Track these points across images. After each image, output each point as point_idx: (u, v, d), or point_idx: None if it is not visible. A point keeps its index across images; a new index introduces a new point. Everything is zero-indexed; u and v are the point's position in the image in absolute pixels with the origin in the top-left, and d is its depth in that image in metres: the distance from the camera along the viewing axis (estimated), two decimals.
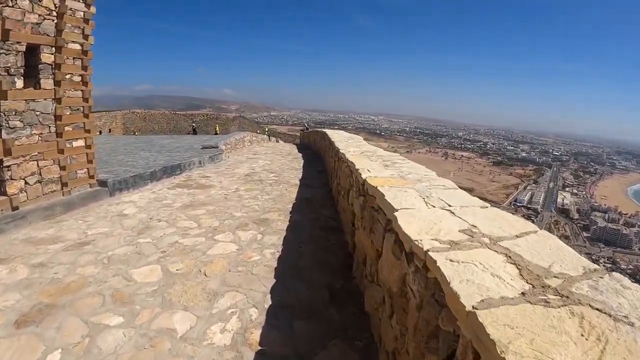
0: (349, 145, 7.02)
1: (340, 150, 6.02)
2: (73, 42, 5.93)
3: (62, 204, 5.87)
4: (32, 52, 5.41)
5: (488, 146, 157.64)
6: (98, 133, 31.89)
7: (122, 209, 6.14)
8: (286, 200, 6.92)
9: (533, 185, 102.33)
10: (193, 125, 39.08)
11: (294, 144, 26.84)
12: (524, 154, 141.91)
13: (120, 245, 4.45)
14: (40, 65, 5.52)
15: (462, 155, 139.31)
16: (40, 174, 5.71)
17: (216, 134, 34.41)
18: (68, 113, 5.99)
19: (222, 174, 9.49)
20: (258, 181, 8.80)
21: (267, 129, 45.36)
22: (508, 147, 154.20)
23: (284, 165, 11.60)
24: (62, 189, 6.08)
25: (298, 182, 8.83)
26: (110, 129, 37.70)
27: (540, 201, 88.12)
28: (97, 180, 6.75)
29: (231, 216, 5.76)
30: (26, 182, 5.52)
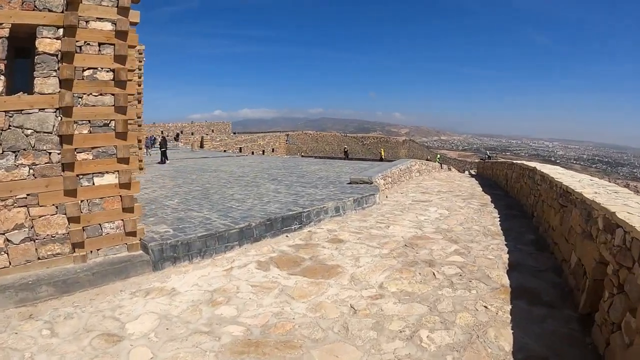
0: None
1: None
2: (98, 19, 3.78)
3: (57, 280, 3.56)
4: (24, 38, 3.49)
5: None
6: (250, 153, 35.47)
7: (136, 313, 3.32)
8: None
9: None
10: (345, 148, 37.42)
11: (469, 174, 20.91)
12: None
13: None
14: (37, 57, 3.52)
15: None
16: (33, 228, 3.57)
17: (381, 159, 31.16)
18: (85, 131, 3.80)
19: (365, 237, 5.55)
20: (426, 266, 4.36)
21: (438, 156, 39.36)
22: None
23: (469, 222, 6.48)
24: (74, 251, 3.80)
25: (505, 279, 3.88)
26: (273, 149, 39.68)
27: None
28: (140, 240, 4.26)
29: None
30: (7, 240, 3.46)
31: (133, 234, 4.24)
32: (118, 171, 4.06)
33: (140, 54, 11.33)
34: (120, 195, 4.10)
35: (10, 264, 3.58)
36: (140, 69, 11.37)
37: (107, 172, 4.00)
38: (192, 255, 4.50)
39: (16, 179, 3.52)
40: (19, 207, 3.55)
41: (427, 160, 29.29)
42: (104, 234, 4.06)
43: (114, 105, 3.98)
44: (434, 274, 4.07)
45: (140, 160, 11.67)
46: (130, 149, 4.15)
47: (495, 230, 5.93)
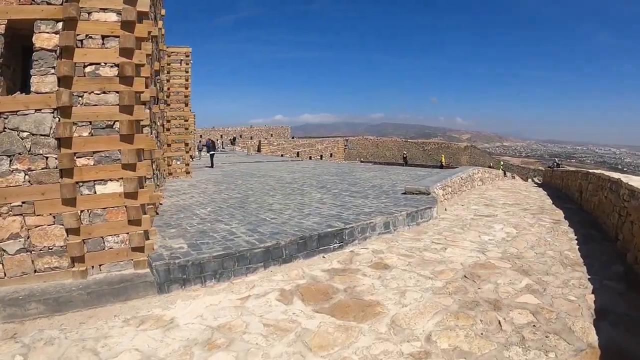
0: None
1: None
2: (102, 9, 3.41)
3: (49, 298, 3.22)
4: (21, 35, 3.21)
5: None
6: (308, 158, 34.98)
7: (120, 348, 2.84)
8: None
9: None
10: (404, 154, 35.20)
11: (533, 182, 18.77)
12: None
13: None
14: (35, 54, 3.22)
15: None
16: (29, 239, 3.27)
17: (441, 166, 29.01)
18: (86, 134, 3.42)
19: (416, 263, 4.57)
20: (490, 309, 3.31)
21: (501, 163, 35.62)
22: None
23: (541, 245, 5.09)
24: (74, 266, 3.45)
25: (593, 334, 2.71)
26: (331, 154, 39.36)
27: None
28: (148, 257, 3.81)
29: None
30: (2, 250, 3.19)
31: (140, 249, 3.79)
32: (122, 179, 3.63)
33: (187, 56, 11.47)
34: (126, 206, 3.68)
35: (5, 275, 3.31)
36: (187, 72, 11.50)
37: (110, 180, 3.60)
38: (205, 277, 3.93)
39: (11, 185, 3.24)
40: (14, 215, 3.27)
41: (490, 167, 27.76)
42: (106, 248, 3.65)
43: (118, 105, 3.56)
44: (499, 322, 3.00)
45: (187, 164, 11.80)
46: (137, 154, 3.70)
47: (574, 257, 4.56)
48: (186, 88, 11.57)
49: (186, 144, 11.65)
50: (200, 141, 18.40)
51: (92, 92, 3.46)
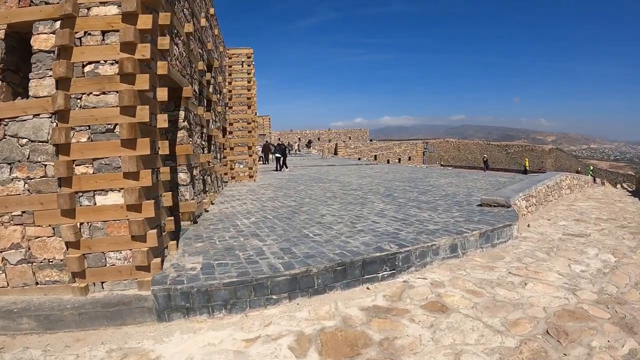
0: None
1: None
2: (102, 3, 3.11)
3: (40, 315, 3.02)
4: (28, 38, 3.06)
5: None
6: (386, 162, 33.38)
7: None
8: None
9: None
10: (485, 157, 31.94)
11: (625, 189, 17.05)
12: None
13: None
14: (33, 57, 3.04)
15: None
16: (30, 250, 3.11)
17: (525, 171, 25.93)
18: (84, 139, 3.15)
19: (485, 305, 3.45)
20: None
21: (590, 167, 30.18)
22: None
23: None
24: (75, 281, 3.22)
25: None
26: (409, 157, 38.49)
27: None
28: (152, 278, 3.43)
29: None
30: (4, 259, 3.09)
31: (145, 268, 3.40)
32: (123, 189, 3.27)
33: (249, 57, 11.41)
34: (128, 219, 3.31)
35: (8, 284, 3.19)
36: (249, 73, 11.44)
37: (111, 190, 3.26)
38: (213, 307, 3.38)
39: (12, 193, 3.10)
40: (14, 225, 3.13)
41: (577, 172, 25.29)
42: (108, 264, 3.34)
43: (118, 106, 3.21)
44: None
45: (250, 168, 11.75)
46: (142, 161, 3.32)
47: None
48: (248, 90, 11.55)
49: (249, 147, 11.62)
50: (266, 143, 18.42)
51: (91, 93, 3.17)
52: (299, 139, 52.25)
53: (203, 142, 6.95)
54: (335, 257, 3.93)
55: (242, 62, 11.41)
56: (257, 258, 4.07)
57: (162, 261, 3.66)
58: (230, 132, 11.39)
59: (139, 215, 3.34)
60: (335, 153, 40.80)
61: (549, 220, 6.57)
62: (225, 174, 11.65)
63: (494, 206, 5.93)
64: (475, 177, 12.33)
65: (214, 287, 3.37)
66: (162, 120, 3.79)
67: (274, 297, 3.53)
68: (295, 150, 36.93)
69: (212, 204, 7.60)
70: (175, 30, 5.07)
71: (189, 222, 5.53)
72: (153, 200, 3.46)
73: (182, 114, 5.45)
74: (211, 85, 8.07)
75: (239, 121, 11.56)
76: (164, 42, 3.75)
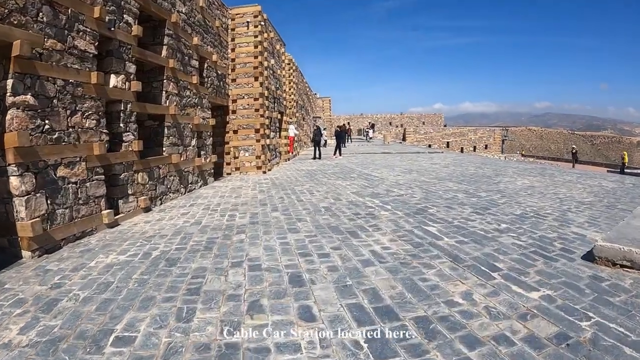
0: None
1: None
2: None
3: None
4: None
5: None
6: (459, 150, 31.44)
7: None
8: None
9: None
10: (573, 149, 27.75)
11: None
12: None
13: None
14: None
15: None
16: None
17: (623, 166, 21.35)
18: None
19: None
20: None
21: None
22: None
23: None
24: None
25: None
26: (486, 146, 35.20)
27: None
28: None
29: None
30: None
31: None
32: None
33: (256, 17, 8.77)
34: None
35: None
36: (256, 36, 8.82)
37: None
38: None
39: None
40: None
41: None
42: None
43: None
44: None
45: (258, 157, 9.28)
46: None
47: None
48: (255, 57, 8.98)
49: (256, 131, 9.14)
50: (317, 128, 15.83)
51: None
52: (370, 123, 48.80)
53: (101, 126, 4.62)
54: None
55: (247, 22, 8.86)
56: None
57: None
58: (234, 112, 9.03)
59: None
60: (404, 139, 36.79)
61: None
62: (228, 163, 9.43)
63: (625, 267, 2.67)
64: (567, 176, 8.30)
65: None
66: None
67: None
68: (368, 136, 33.79)
69: (149, 211, 5.40)
70: None
71: (31, 254, 3.29)
72: None
73: (11, 83, 3.21)
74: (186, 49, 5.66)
75: (243, 97, 9.10)
76: None
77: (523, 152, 38.68)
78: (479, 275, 2.80)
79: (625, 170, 19.68)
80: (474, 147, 34.90)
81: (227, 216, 5.08)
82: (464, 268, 2.95)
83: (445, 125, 48.22)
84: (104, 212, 4.58)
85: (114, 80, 5.09)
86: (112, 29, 5.05)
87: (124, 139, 5.22)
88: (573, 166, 22.18)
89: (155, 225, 4.76)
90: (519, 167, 11.70)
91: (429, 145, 33.30)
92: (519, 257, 3.17)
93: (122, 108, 5.19)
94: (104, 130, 4.79)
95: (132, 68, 5.40)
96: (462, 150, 34.18)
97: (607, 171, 22.44)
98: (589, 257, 2.98)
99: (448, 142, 35.90)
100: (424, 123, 52.19)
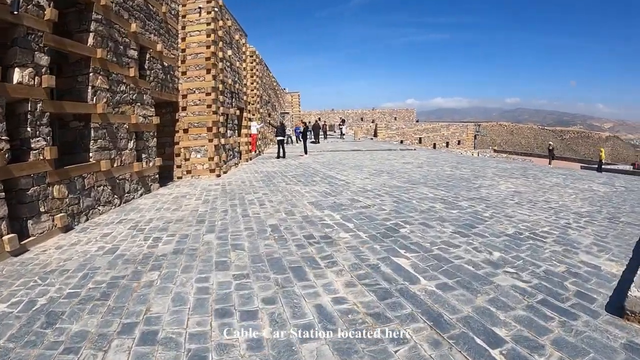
0: None
1: None
2: None
3: None
4: None
5: None
6: (432, 146, 31.35)
7: None
8: None
9: None
10: (550, 145, 27.78)
11: None
12: None
13: None
14: None
15: None
16: None
17: (600, 163, 21.19)
18: None
19: None
20: None
21: None
22: None
23: None
24: None
25: None
26: (459, 141, 36.08)
27: None
28: None
29: None
30: None
31: None
32: None
33: (209, 2, 7.95)
34: None
35: None
36: (208, 24, 8.03)
37: None
38: None
39: None
40: None
41: (634, 164, 24.90)
42: None
43: None
44: None
45: (211, 158, 8.52)
46: None
47: None
48: (208, 47, 8.18)
49: (209, 129, 8.37)
50: (281, 124, 15.18)
51: None
52: (341, 119, 48.32)
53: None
54: None
55: (199, 8, 8.02)
56: None
57: None
58: (184, 108, 8.22)
59: None
60: (375, 135, 36.58)
61: None
62: (179, 166, 8.63)
63: None
64: (552, 178, 8.13)
65: None
66: None
67: None
68: (341, 133, 32.94)
69: (70, 230, 4.63)
70: None
71: None
72: None
73: None
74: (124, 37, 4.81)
75: (194, 91, 8.30)
76: None
77: (495, 148, 39.72)
78: (474, 356, 1.97)
79: (603, 167, 19.90)
80: (447, 143, 35.24)
81: (152, 239, 4.31)
82: (451, 343, 2.10)
83: (417, 121, 48.51)
84: (5, 237, 3.79)
85: (18, 75, 4.25)
86: (16, 12, 4.21)
87: (32, 146, 4.39)
88: (549, 163, 22.37)
89: (65, 252, 3.99)
90: (498, 166, 11.50)
91: (401, 142, 33.22)
92: (525, 313, 2.41)
93: (29, 109, 4.35)
94: (3, 137, 3.98)
95: (43, 60, 4.54)
96: (434, 147, 34.36)
97: (581, 167, 22.87)
98: (616, 308, 2.41)
99: (420, 138, 36.04)
100: (396, 118, 52.36)
